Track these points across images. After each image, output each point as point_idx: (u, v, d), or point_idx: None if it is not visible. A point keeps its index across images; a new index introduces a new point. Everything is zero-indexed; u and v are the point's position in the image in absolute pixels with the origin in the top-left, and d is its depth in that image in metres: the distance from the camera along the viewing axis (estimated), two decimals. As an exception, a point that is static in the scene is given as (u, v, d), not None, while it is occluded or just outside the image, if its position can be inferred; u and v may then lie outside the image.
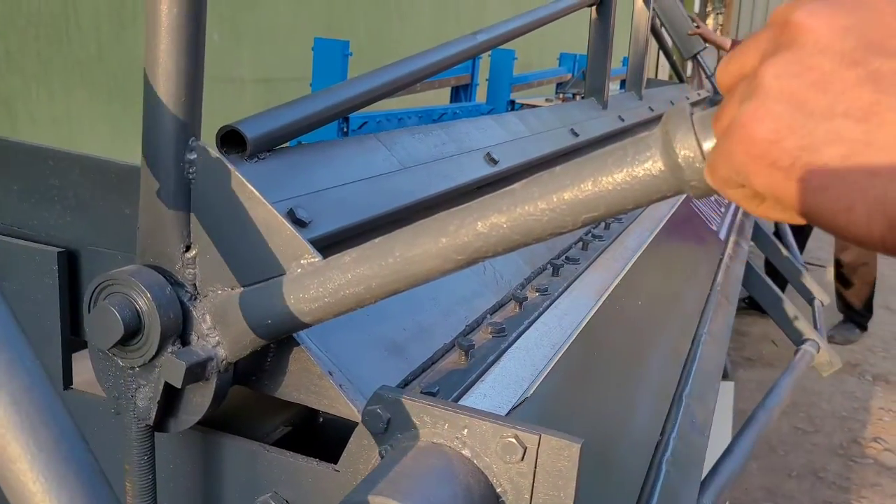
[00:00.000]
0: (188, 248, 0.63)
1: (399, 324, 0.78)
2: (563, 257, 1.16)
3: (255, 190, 0.61)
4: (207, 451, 0.69)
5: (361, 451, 0.62)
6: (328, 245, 0.79)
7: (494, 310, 0.94)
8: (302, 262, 0.61)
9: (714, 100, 3.97)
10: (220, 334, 0.62)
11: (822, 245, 4.86)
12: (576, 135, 1.60)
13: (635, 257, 1.24)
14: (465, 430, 0.58)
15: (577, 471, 0.56)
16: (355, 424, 0.62)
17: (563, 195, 0.45)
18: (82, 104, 3.09)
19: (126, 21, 3.19)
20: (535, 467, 0.57)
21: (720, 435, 2.80)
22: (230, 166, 0.61)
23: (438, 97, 4.06)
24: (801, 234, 4.11)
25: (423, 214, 0.96)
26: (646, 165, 0.43)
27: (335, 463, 0.63)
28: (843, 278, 3.95)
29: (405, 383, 0.72)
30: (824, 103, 0.32)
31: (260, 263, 0.62)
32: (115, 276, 0.61)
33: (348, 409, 0.63)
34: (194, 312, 0.63)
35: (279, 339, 0.63)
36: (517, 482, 0.57)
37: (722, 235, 2.03)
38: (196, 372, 0.61)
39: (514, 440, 0.57)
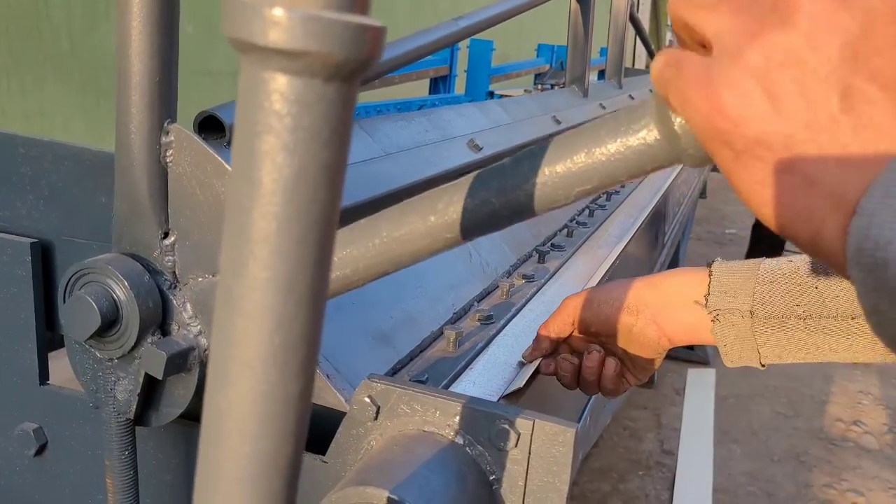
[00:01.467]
0: (166, 235, 0.61)
1: (385, 312, 0.77)
2: (549, 244, 1.15)
3: (235, 173, 0.60)
4: (190, 446, 0.68)
5: (350, 441, 0.60)
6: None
7: (481, 297, 0.93)
8: (285, 247, 0.59)
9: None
10: (201, 323, 0.61)
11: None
12: (558, 122, 1.59)
13: (619, 245, 1.23)
14: (457, 418, 0.57)
15: (571, 456, 0.55)
16: (342, 414, 0.61)
17: (555, 168, 0.44)
18: (55, 98, 3.04)
19: (99, 14, 3.13)
20: (529, 454, 0.55)
21: (702, 421, 2.81)
22: (208, 149, 0.59)
23: (417, 89, 4.04)
24: None
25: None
26: (640, 135, 0.41)
27: (323, 454, 0.61)
28: None
29: (393, 372, 0.71)
30: (793, 107, 0.32)
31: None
32: (90, 265, 0.59)
33: (336, 398, 0.61)
34: (174, 301, 0.61)
35: (263, 328, 0.61)
36: (511, 469, 0.56)
37: (666, 238, 2.02)
38: (178, 362, 0.59)
39: (507, 426, 0.55)
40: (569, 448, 0.55)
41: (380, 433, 0.59)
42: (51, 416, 0.71)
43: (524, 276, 1.00)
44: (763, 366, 0.69)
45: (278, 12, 0.24)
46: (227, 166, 0.60)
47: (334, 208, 0.28)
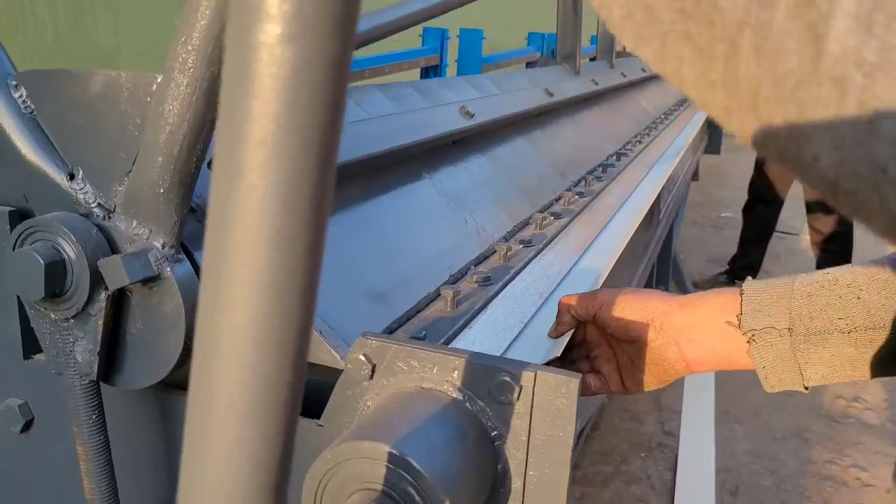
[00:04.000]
0: (72, 176, 0.61)
1: (380, 273, 0.74)
2: (546, 212, 1.13)
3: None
4: (177, 414, 0.65)
5: (346, 402, 0.58)
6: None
7: (479, 261, 0.91)
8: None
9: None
10: (144, 223, 0.57)
11: (794, 214, 4.90)
12: (550, 94, 1.56)
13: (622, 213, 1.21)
14: (456, 373, 0.55)
15: (576, 408, 0.53)
16: (335, 378, 0.58)
17: None
18: (41, 95, 3.00)
19: (83, 8, 3.10)
20: (532, 407, 0.53)
21: (703, 401, 2.80)
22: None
23: (408, 79, 4.01)
24: (775, 202, 4.10)
25: (395, 166, 0.92)
26: None
27: (318, 418, 0.59)
28: (817, 247, 3.95)
29: (389, 331, 0.69)
30: None
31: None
32: (35, 223, 0.57)
33: (330, 355, 0.59)
34: (114, 227, 0.58)
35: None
36: (513, 423, 0.54)
37: (661, 216, 2.00)
38: (138, 265, 0.55)
39: (508, 379, 0.53)
40: (573, 399, 0.52)
41: (376, 392, 0.57)
42: (37, 391, 0.69)
43: (522, 242, 0.98)
44: (807, 388, 0.63)
45: None
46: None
47: (335, 130, 0.24)
